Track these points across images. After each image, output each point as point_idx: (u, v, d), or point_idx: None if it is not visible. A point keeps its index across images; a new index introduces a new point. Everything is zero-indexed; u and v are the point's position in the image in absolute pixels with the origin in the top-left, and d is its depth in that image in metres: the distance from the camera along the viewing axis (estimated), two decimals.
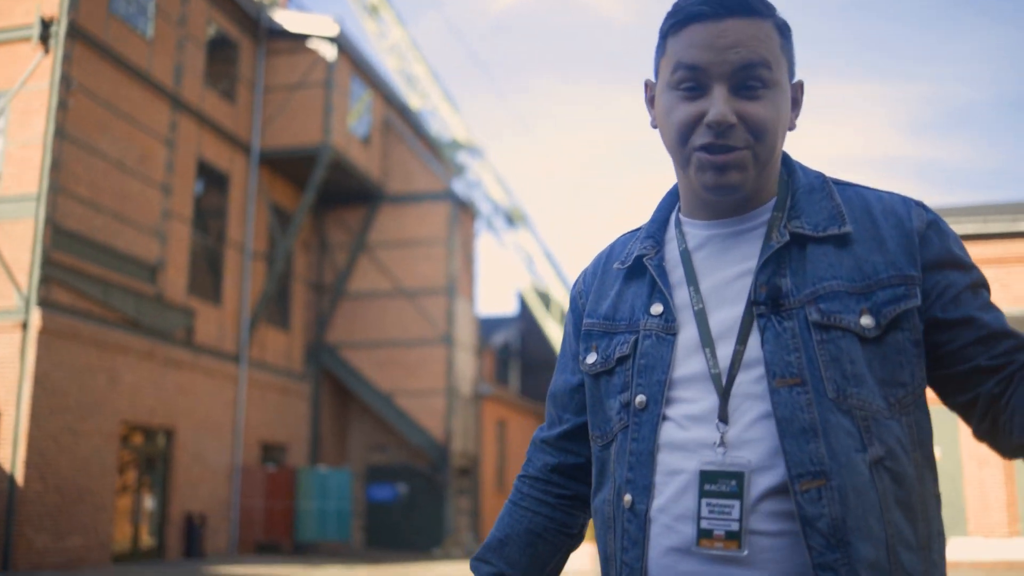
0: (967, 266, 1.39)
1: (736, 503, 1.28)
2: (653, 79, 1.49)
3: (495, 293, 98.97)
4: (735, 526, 1.27)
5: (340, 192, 24.39)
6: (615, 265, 1.56)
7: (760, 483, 1.29)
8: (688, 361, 1.39)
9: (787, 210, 1.42)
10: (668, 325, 1.42)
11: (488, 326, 31.52)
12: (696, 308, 1.40)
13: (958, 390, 1.37)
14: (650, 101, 1.50)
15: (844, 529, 1.24)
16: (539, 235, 27.41)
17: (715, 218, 1.45)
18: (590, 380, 1.51)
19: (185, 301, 18.83)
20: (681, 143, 1.40)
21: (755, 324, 1.36)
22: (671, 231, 1.52)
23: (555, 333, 25.49)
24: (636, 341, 1.44)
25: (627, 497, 1.38)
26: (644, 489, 1.37)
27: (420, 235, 24.99)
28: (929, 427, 1.35)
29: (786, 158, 1.50)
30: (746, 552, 1.27)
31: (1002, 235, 23.43)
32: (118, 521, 16.70)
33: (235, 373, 20.53)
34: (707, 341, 1.38)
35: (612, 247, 1.62)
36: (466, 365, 25.56)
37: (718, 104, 1.34)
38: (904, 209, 1.40)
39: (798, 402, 1.29)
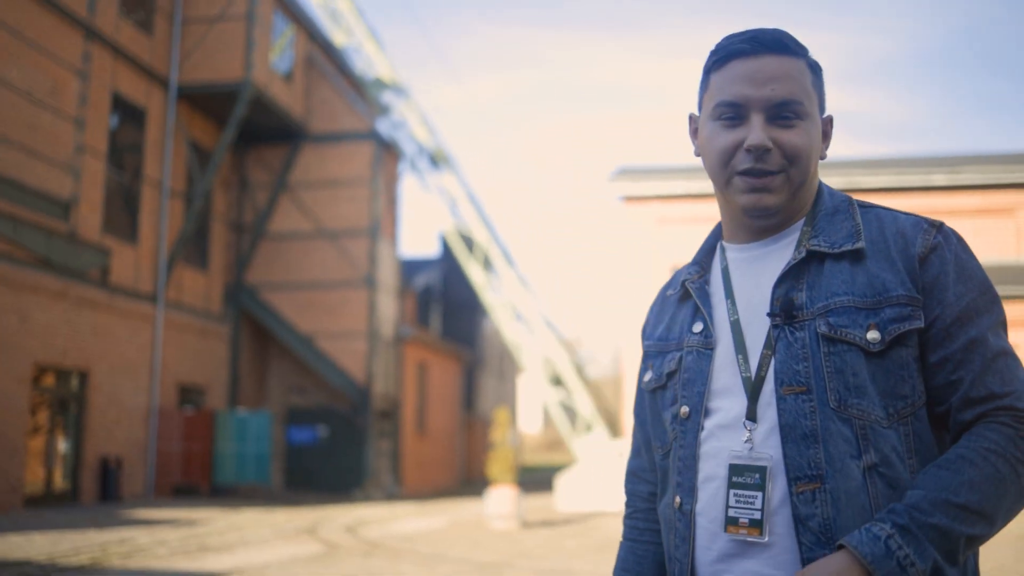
0: (958, 291, 1.45)
1: (759, 495, 1.42)
2: (696, 112, 1.63)
3: (418, 235, 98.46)
4: (758, 515, 1.41)
5: (261, 130, 23.84)
6: (668, 293, 1.73)
7: (778, 479, 1.43)
8: (724, 373, 1.53)
9: (811, 229, 1.54)
10: (707, 341, 1.57)
11: (410, 268, 31.31)
12: (732, 319, 1.55)
13: (936, 411, 1.47)
14: (693, 133, 1.64)
15: (834, 528, 1.37)
16: (463, 177, 27.18)
17: (752, 239, 1.59)
18: (648, 396, 1.68)
19: (100, 240, 18.29)
20: (722, 166, 1.54)
21: (775, 335, 1.49)
22: (716, 257, 1.66)
23: (478, 276, 25.41)
24: (681, 358, 1.60)
25: (676, 499, 1.54)
26: (690, 491, 1.52)
27: (343, 175, 24.60)
28: (929, 437, 1.44)
29: (819, 182, 1.62)
30: (767, 539, 1.41)
31: (916, 189, 23.97)
32: (30, 464, 16.31)
33: (152, 314, 20.08)
34: (740, 348, 1.52)
35: (672, 278, 1.75)
36: (388, 307, 25.40)
37: (756, 131, 1.48)
38: (913, 232, 1.49)
39: (802, 409, 1.42)
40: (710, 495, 1.49)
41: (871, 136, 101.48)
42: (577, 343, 58.60)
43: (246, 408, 23.21)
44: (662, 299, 1.75)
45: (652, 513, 1.73)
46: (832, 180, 23.72)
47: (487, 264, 25.97)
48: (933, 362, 1.44)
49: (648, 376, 1.67)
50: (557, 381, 24.81)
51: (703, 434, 1.52)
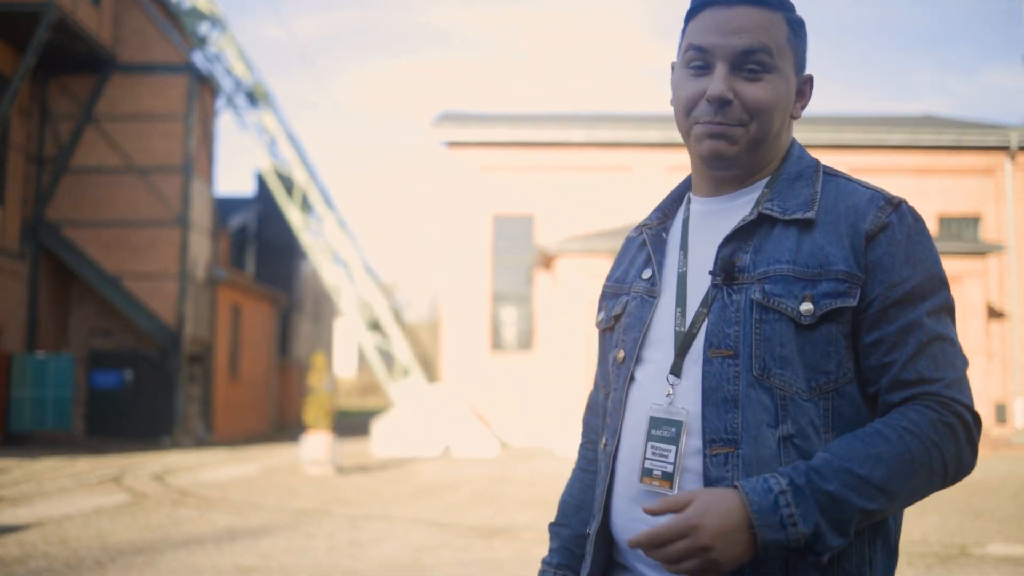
0: (904, 274, 1.43)
1: (673, 448, 1.44)
2: (677, 61, 1.59)
3: (234, 173, 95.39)
4: (670, 468, 1.44)
5: (66, 57, 22.39)
6: (632, 235, 1.72)
7: (694, 438, 1.44)
8: (662, 324, 1.53)
9: (770, 191, 1.52)
10: (651, 288, 1.57)
11: (225, 207, 30.27)
12: (680, 271, 1.54)
13: (867, 391, 1.46)
14: (671, 77, 1.60)
15: None
16: (283, 116, 26.42)
17: (714, 193, 1.57)
18: (600, 337, 1.69)
19: None
20: (685, 115, 1.53)
21: (712, 294, 1.48)
22: (684, 203, 1.64)
23: (296, 218, 24.84)
24: (627, 302, 1.61)
25: (604, 440, 1.58)
26: (613, 433, 1.55)
27: (155, 109, 23.44)
28: (852, 414, 1.43)
29: (791, 143, 1.59)
30: (675, 492, 1.42)
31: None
32: None
33: None
34: (680, 301, 1.52)
35: (646, 218, 1.72)
36: (201, 248, 24.55)
37: (717, 82, 1.47)
38: (866, 208, 1.46)
39: (726, 374, 1.43)
40: (631, 442, 1.51)
41: None
42: (394, 287, 58.41)
43: (45, 351, 22.03)
44: (627, 241, 1.74)
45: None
46: (646, 134, 24.33)
47: (306, 206, 25.42)
48: (868, 342, 1.43)
49: (600, 316, 1.70)
50: (375, 326, 24.68)
51: (632, 382, 1.54)
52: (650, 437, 1.46)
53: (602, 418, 1.66)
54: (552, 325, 22.68)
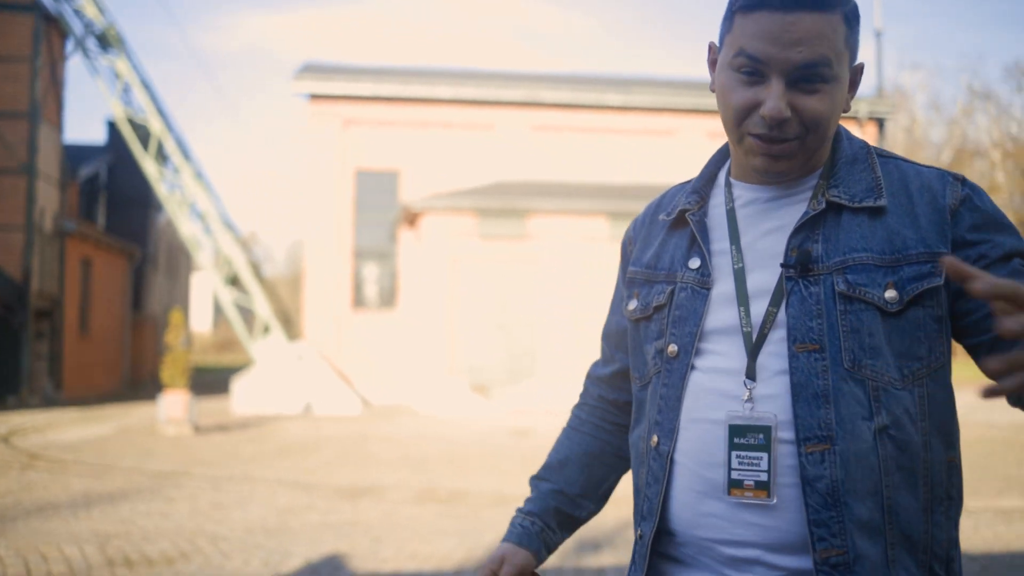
0: (998, 239, 1.42)
1: (764, 455, 1.38)
2: (716, 43, 1.51)
3: (84, 119, 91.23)
4: (764, 476, 1.38)
5: None
6: (661, 216, 1.63)
7: (784, 439, 1.39)
8: (720, 315, 1.47)
9: (829, 179, 1.47)
10: (704, 279, 1.50)
11: (74, 156, 28.92)
12: (736, 266, 1.48)
13: (988, 355, 1.38)
14: (712, 64, 1.53)
15: (842, 491, 1.35)
16: (138, 62, 25.32)
17: (763, 182, 1.51)
18: (631, 325, 1.62)
19: None
20: (736, 124, 1.45)
21: (787, 288, 1.43)
22: (718, 188, 1.57)
23: (151, 168, 23.93)
24: (672, 292, 1.53)
25: (654, 438, 1.50)
26: (669, 432, 1.48)
27: None
28: (945, 398, 1.43)
29: (839, 127, 1.52)
30: (775, 500, 1.37)
31: (590, 106, 25.15)
32: None
33: None
34: (743, 300, 1.46)
35: (662, 198, 1.67)
36: (48, 198, 23.47)
37: (774, 99, 1.39)
38: (940, 185, 1.45)
39: (814, 368, 1.38)
40: (694, 436, 1.45)
41: (554, 52, 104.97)
42: (253, 240, 57.16)
43: None
44: (650, 221, 1.66)
45: (597, 411, 1.79)
46: (513, 92, 24.37)
47: (161, 156, 24.54)
48: (965, 309, 1.41)
49: (633, 305, 1.61)
50: (233, 280, 24.11)
51: (693, 375, 1.47)
52: (733, 446, 1.40)
53: (636, 409, 1.61)
54: (415, 283, 22.62)
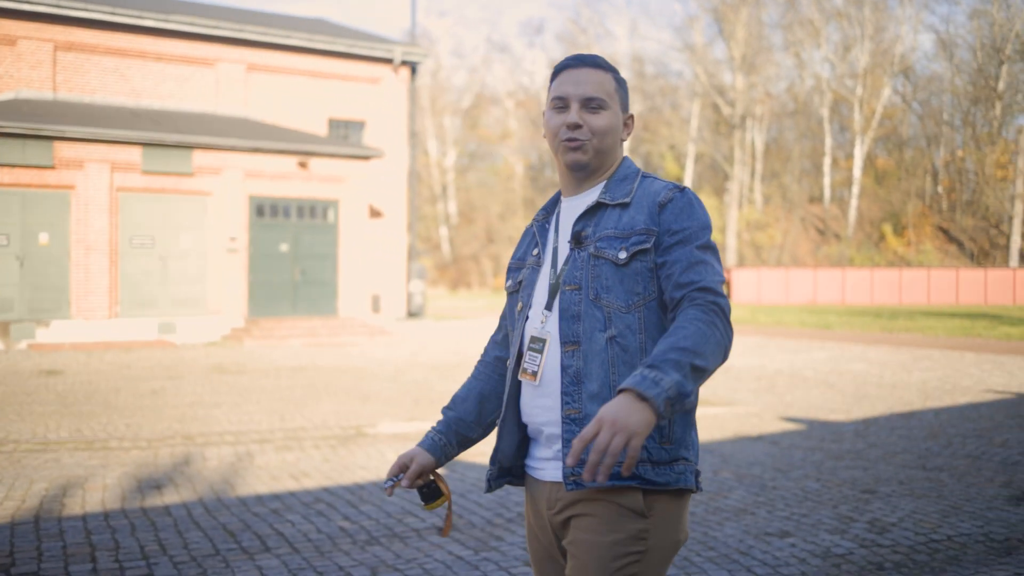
0: (683, 228, 2.22)
1: (539, 355, 2.27)
2: (543, 106, 2.36)
3: None
4: (536, 368, 2.27)
5: None
6: (527, 226, 2.52)
7: (553, 345, 2.25)
8: (544, 280, 2.35)
9: (605, 188, 2.33)
10: (538, 260, 2.39)
11: None
12: (554, 246, 2.37)
13: (664, 298, 2.23)
14: (543, 117, 2.39)
15: (582, 374, 2.19)
16: None
17: (573, 194, 2.39)
18: (509, 297, 2.51)
19: None
20: (554, 137, 2.33)
21: (569, 255, 2.31)
22: (558, 203, 2.46)
23: None
24: (525, 272, 2.42)
25: (509, 361, 2.42)
26: (516, 356, 2.37)
27: None
28: (656, 320, 2.22)
29: (624, 159, 2.41)
30: (539, 382, 2.27)
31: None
32: None
33: None
34: (553, 263, 2.34)
35: (534, 218, 2.50)
36: None
37: (572, 114, 2.29)
38: (662, 191, 2.28)
39: (574, 299, 2.24)
40: (523, 353, 2.34)
41: None
42: None
43: None
44: (525, 232, 2.53)
45: (489, 365, 2.55)
46: (36, 6, 22.34)
47: None
48: (660, 263, 2.20)
49: (508, 283, 2.49)
50: None
51: (527, 321, 2.34)
52: (529, 348, 2.30)
53: (504, 347, 2.52)
54: None
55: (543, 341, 2.26)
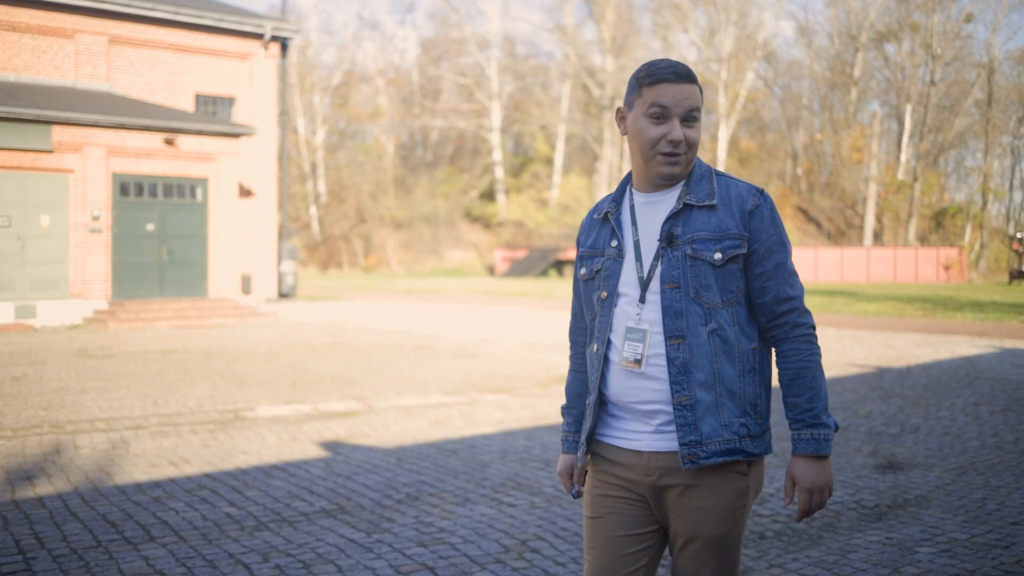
0: (770, 237, 2.48)
1: (641, 344, 2.46)
2: (624, 107, 2.57)
3: None
4: (639, 357, 2.46)
5: None
6: (594, 216, 2.69)
7: (655, 337, 2.46)
8: (627, 273, 2.53)
9: (687, 189, 2.51)
10: (619, 252, 2.55)
11: None
12: (635, 240, 2.54)
13: (757, 302, 2.51)
14: (621, 119, 2.58)
15: (689, 365, 2.41)
16: None
17: (651, 191, 2.56)
18: (583, 284, 2.68)
19: None
20: (651, 147, 2.47)
21: (661, 253, 2.49)
22: (626, 196, 2.64)
23: None
24: (603, 262, 2.58)
25: (595, 347, 2.59)
26: (604, 342, 2.55)
27: None
28: (746, 314, 2.49)
29: (695, 158, 2.56)
30: (644, 369, 2.46)
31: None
32: None
33: None
34: (639, 257, 2.52)
35: (597, 207, 2.69)
36: None
37: (677, 130, 2.45)
38: (747, 194, 2.49)
39: (675, 297, 2.44)
40: (617, 345, 2.51)
41: None
42: None
43: None
44: (590, 220, 2.70)
45: (582, 356, 2.74)
46: None
47: None
48: (755, 274, 2.47)
49: (583, 271, 2.65)
50: None
51: (615, 309, 2.53)
52: (628, 339, 2.47)
53: (588, 334, 2.65)
54: None
55: (643, 331, 2.47)
